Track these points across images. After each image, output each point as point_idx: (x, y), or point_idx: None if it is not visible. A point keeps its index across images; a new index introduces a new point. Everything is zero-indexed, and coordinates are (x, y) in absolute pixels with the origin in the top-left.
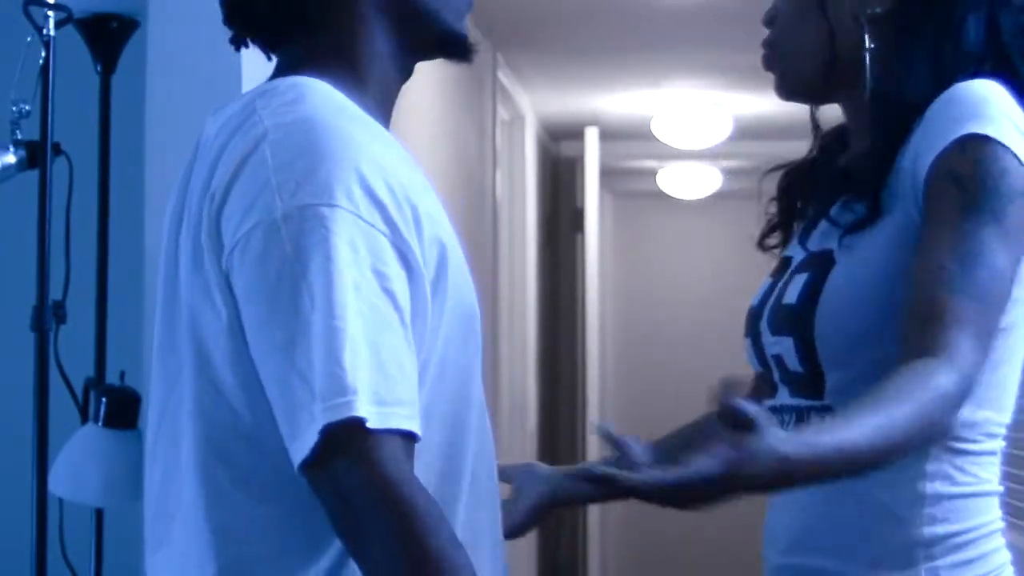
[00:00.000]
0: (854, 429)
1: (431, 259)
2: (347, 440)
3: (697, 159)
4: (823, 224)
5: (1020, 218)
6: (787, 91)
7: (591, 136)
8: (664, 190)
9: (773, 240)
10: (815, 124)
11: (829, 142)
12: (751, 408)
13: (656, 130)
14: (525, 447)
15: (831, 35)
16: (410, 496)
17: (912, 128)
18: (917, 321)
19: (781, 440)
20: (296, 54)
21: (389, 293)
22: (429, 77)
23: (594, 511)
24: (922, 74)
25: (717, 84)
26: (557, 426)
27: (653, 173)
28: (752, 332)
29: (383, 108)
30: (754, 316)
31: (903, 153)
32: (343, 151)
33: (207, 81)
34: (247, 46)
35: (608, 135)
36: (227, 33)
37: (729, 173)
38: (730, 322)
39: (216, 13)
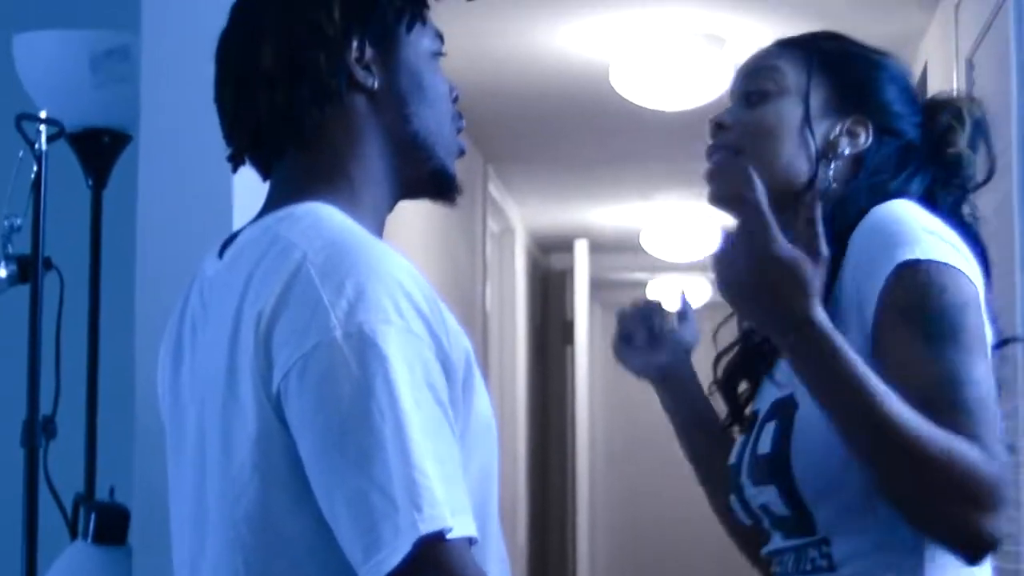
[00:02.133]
0: (888, 391)
1: (460, 368)
2: (433, 550)
3: (687, 271)
4: (781, 366)
5: (974, 323)
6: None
7: (581, 248)
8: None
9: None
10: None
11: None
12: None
13: (645, 242)
14: (515, 561)
15: (816, 159)
16: None
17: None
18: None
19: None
20: (293, 174)
21: (442, 405)
22: None
23: (583, 513)
24: (860, 199)
25: (706, 196)
26: (547, 540)
27: (643, 285)
28: (735, 487)
29: (375, 231)
30: (734, 472)
31: (836, 279)
32: (382, 268)
33: (199, 196)
34: (244, 163)
35: (598, 247)
36: (219, 148)
37: None
38: None
39: (208, 128)
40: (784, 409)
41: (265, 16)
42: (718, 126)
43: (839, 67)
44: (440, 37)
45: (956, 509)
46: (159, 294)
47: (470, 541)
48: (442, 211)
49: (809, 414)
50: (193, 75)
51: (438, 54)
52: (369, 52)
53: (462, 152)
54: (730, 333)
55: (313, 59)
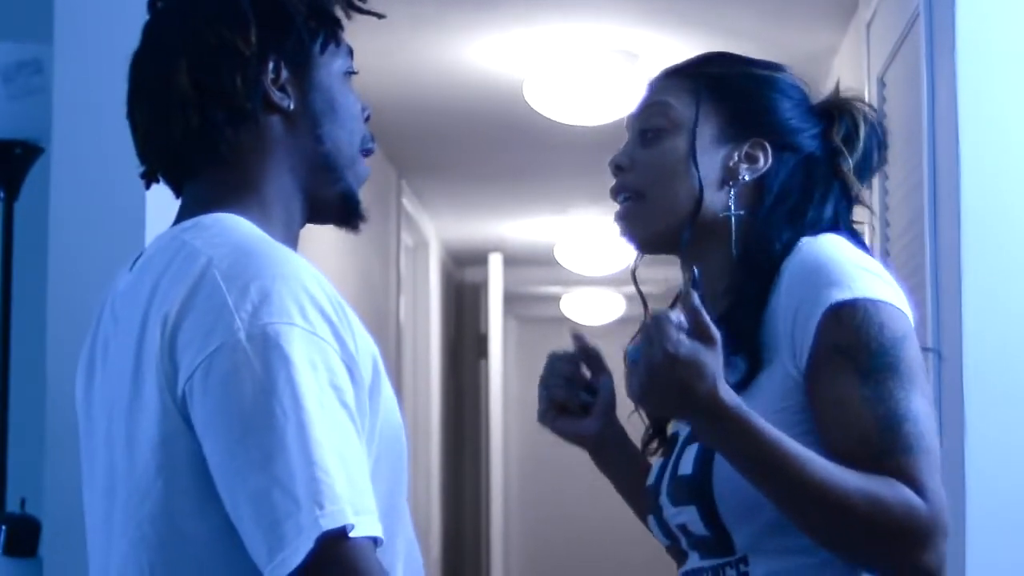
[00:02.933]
0: (802, 450)
1: (368, 373)
2: (336, 548)
3: (600, 285)
4: None
5: (911, 357)
6: (647, 244)
7: (495, 262)
8: (568, 316)
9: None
10: (639, 288)
11: None
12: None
13: (560, 256)
14: (429, 573)
15: (700, 191)
16: None
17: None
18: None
19: (726, 387)
20: (205, 190)
21: (347, 407)
22: None
23: (497, 526)
24: (783, 235)
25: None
26: (461, 553)
27: (557, 299)
28: (653, 509)
29: (287, 244)
30: (653, 493)
31: (766, 308)
32: (288, 271)
33: (111, 208)
34: (157, 181)
35: (512, 261)
36: (133, 161)
37: (632, 299)
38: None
39: (121, 139)
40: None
41: (180, 36)
42: (618, 168)
43: (728, 92)
44: (351, 55)
45: (889, 550)
46: (71, 306)
47: (375, 541)
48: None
49: None
50: (106, 88)
51: (350, 72)
52: (285, 73)
53: (366, 175)
54: None
55: (229, 81)
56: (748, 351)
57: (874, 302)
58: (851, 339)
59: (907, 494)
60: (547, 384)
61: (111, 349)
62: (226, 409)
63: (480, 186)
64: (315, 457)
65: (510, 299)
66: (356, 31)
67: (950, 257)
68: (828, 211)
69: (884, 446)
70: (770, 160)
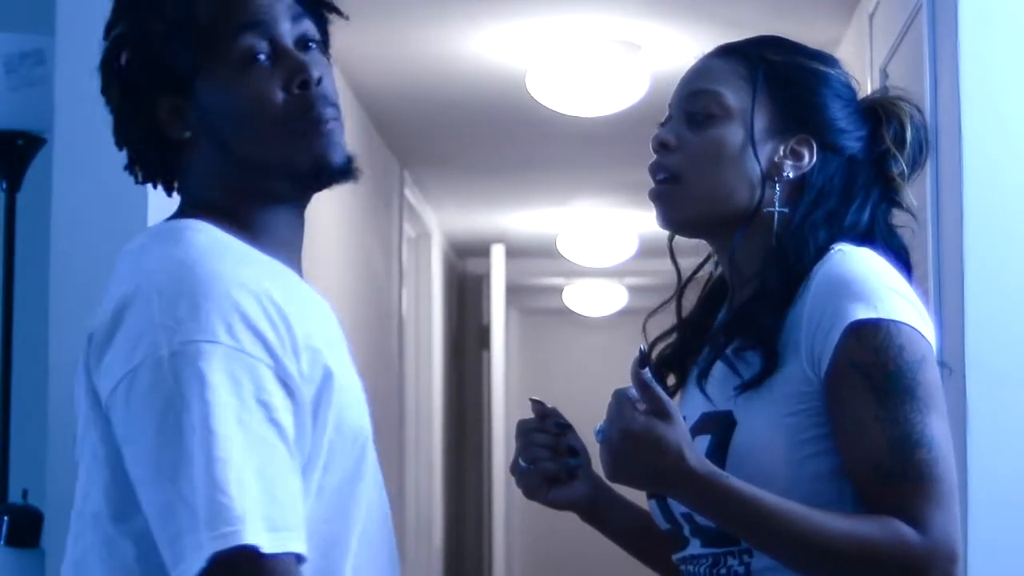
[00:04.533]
0: (783, 502)
1: (312, 388)
2: (244, 567)
3: (603, 276)
4: (719, 373)
5: (929, 381)
6: (681, 227)
7: (497, 253)
8: (570, 307)
9: None
10: (675, 259)
11: (702, 303)
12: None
13: (562, 248)
14: (431, 564)
15: (760, 183)
16: None
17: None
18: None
19: (694, 454)
20: (187, 197)
21: (275, 423)
22: (335, 194)
23: (499, 517)
24: (820, 235)
25: (622, 202)
26: (463, 543)
27: (559, 290)
28: (655, 494)
29: (278, 244)
30: None
31: (791, 309)
32: (224, 289)
33: (113, 199)
34: (155, 187)
35: (514, 252)
36: None
37: (634, 290)
38: None
39: None
40: (719, 425)
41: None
42: (662, 146)
43: (783, 84)
44: (257, 34)
45: None
46: (73, 297)
47: (298, 557)
48: (358, 216)
49: (748, 436)
50: None
51: (254, 56)
52: (179, 102)
53: (323, 123)
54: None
55: (120, 126)
56: (765, 350)
57: (896, 324)
58: (869, 358)
59: (900, 530)
60: (531, 458)
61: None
62: (142, 424)
63: (482, 177)
64: (218, 476)
65: (512, 290)
66: (358, 23)
67: (952, 247)
68: (866, 216)
69: (894, 472)
70: (815, 158)
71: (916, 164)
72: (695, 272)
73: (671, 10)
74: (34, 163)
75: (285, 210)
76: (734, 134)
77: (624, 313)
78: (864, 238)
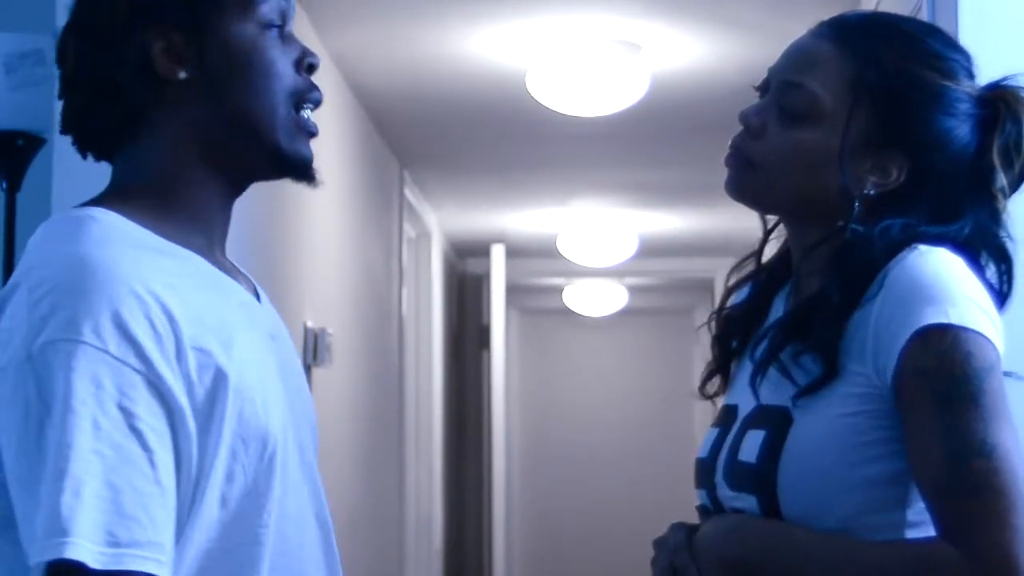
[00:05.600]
0: (822, 539)
1: (201, 392)
2: None
3: (603, 276)
4: (773, 373)
5: (995, 389)
6: (754, 206)
7: (497, 253)
8: (570, 307)
9: (712, 387)
10: (762, 248)
11: (766, 278)
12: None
13: (562, 247)
14: (431, 566)
15: (838, 195)
16: None
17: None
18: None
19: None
20: (120, 171)
21: (136, 431)
22: (335, 193)
23: (499, 517)
24: (894, 237)
25: (622, 202)
26: (463, 544)
27: (559, 290)
28: (706, 484)
29: (201, 231)
30: (706, 468)
31: (859, 309)
32: (100, 288)
33: None
34: (85, 157)
35: (514, 252)
36: None
37: (634, 290)
38: (633, 436)
39: None
40: (775, 420)
41: (72, 21)
42: (747, 127)
43: (890, 98)
44: (280, 7)
45: None
46: None
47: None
48: (359, 216)
49: (805, 435)
50: None
51: (271, 26)
52: (178, 41)
53: (310, 131)
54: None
55: (105, 61)
56: (825, 360)
57: (966, 330)
58: (934, 364)
59: (938, 557)
60: None
61: None
62: (8, 429)
63: (482, 177)
64: (61, 486)
65: (512, 290)
66: (358, 23)
67: None
68: (963, 231)
69: (951, 485)
70: (903, 177)
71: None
72: (774, 226)
73: (672, 10)
74: (34, 163)
75: (221, 196)
76: (823, 142)
77: (624, 313)
78: (954, 247)
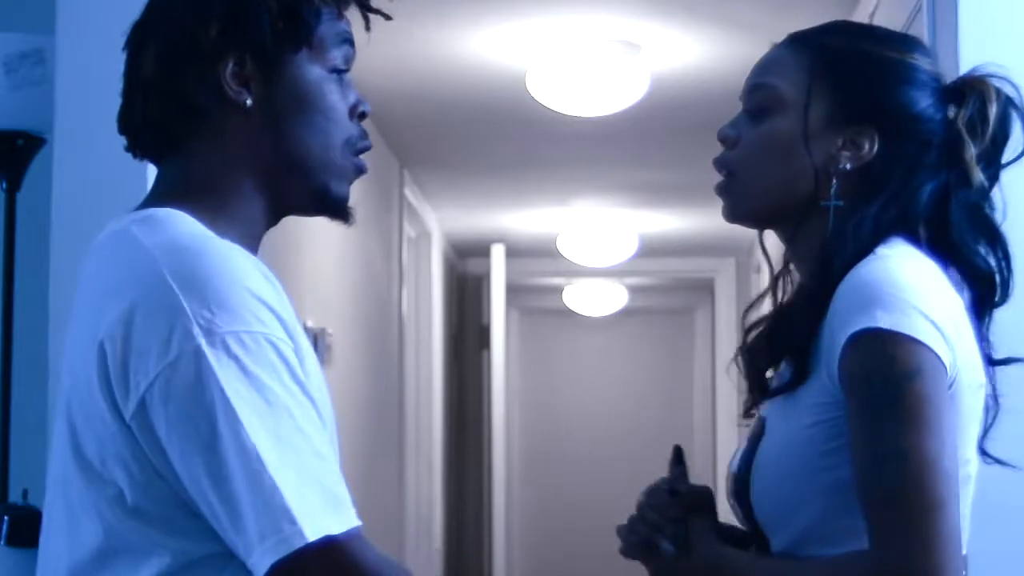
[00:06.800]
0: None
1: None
2: (307, 561)
3: (603, 276)
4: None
5: (919, 393)
6: (744, 220)
7: (497, 253)
8: (570, 307)
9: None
10: (766, 256)
11: (786, 294)
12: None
13: (562, 247)
14: (431, 566)
15: (815, 176)
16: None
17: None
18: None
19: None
20: (170, 176)
21: (311, 398)
22: None
23: (499, 516)
24: (864, 231)
25: (622, 202)
26: (463, 542)
27: (559, 290)
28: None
29: (249, 241)
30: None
31: (827, 315)
32: (236, 273)
33: (113, 199)
34: (138, 156)
35: (514, 252)
36: None
37: (634, 290)
38: (633, 436)
39: None
40: (756, 430)
41: (153, 24)
42: (723, 140)
43: (844, 72)
44: (346, 53)
45: None
46: (73, 297)
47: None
48: (359, 216)
49: (771, 444)
50: (108, 78)
51: (338, 70)
52: (250, 67)
53: (360, 172)
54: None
55: (184, 72)
56: (796, 360)
57: (894, 334)
58: (860, 369)
59: (856, 565)
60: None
61: (70, 337)
62: (192, 419)
63: (482, 177)
64: (264, 479)
65: (512, 290)
66: (357, 23)
67: None
68: (922, 201)
69: (869, 490)
70: (875, 148)
71: (1001, 143)
72: (786, 264)
73: (672, 10)
74: (34, 163)
75: (263, 218)
76: (786, 127)
77: (624, 313)
78: (930, 226)
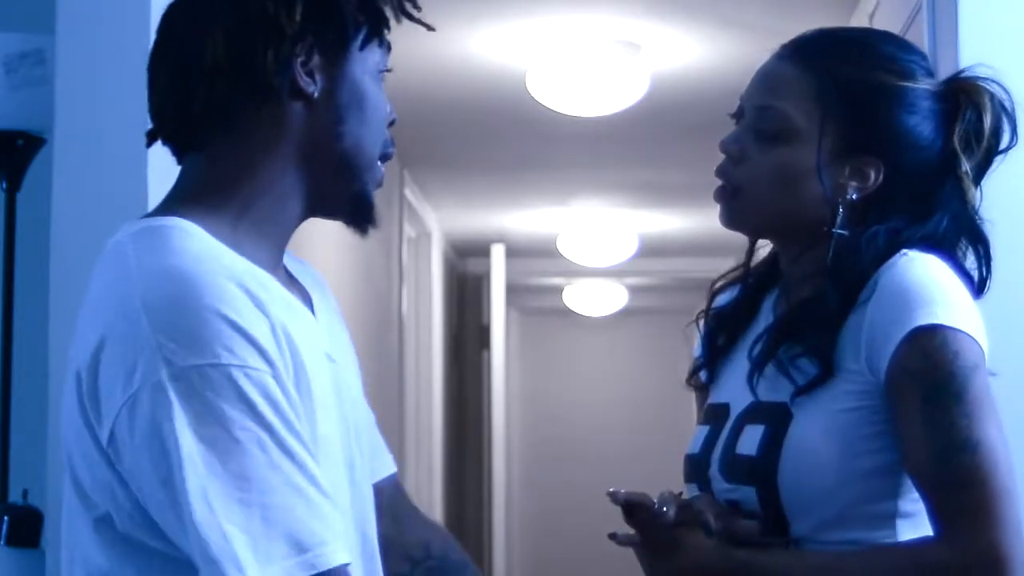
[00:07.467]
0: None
1: (301, 383)
2: None
3: (603, 276)
4: (770, 371)
5: (980, 386)
6: (746, 232)
7: (497, 253)
8: (570, 307)
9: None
10: (750, 256)
11: (754, 282)
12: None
13: (562, 247)
14: None
15: (824, 204)
16: None
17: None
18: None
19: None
20: (192, 174)
21: (296, 434)
22: None
23: (499, 517)
24: (881, 245)
25: (622, 202)
26: (463, 542)
27: (559, 290)
28: (697, 479)
29: (269, 245)
30: (698, 463)
31: (852, 313)
32: (217, 303)
33: (113, 199)
34: (156, 141)
35: (514, 252)
36: (134, 151)
37: (634, 290)
38: (633, 437)
39: (123, 130)
40: (775, 415)
41: (217, 6)
42: (728, 155)
43: (853, 106)
44: (388, 52)
45: None
46: (73, 298)
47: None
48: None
49: (806, 430)
50: (108, 78)
51: (384, 71)
52: (316, 58)
53: (381, 182)
54: None
55: (263, 55)
56: (821, 359)
57: (954, 330)
58: (923, 363)
59: (925, 555)
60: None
61: (73, 348)
62: (151, 454)
63: (482, 177)
64: (201, 527)
65: (512, 290)
66: None
67: None
68: (940, 227)
69: (938, 480)
70: (880, 178)
71: (994, 152)
72: (754, 242)
73: (671, 10)
74: (34, 163)
75: (294, 217)
76: (800, 157)
77: (624, 313)
78: (936, 247)
